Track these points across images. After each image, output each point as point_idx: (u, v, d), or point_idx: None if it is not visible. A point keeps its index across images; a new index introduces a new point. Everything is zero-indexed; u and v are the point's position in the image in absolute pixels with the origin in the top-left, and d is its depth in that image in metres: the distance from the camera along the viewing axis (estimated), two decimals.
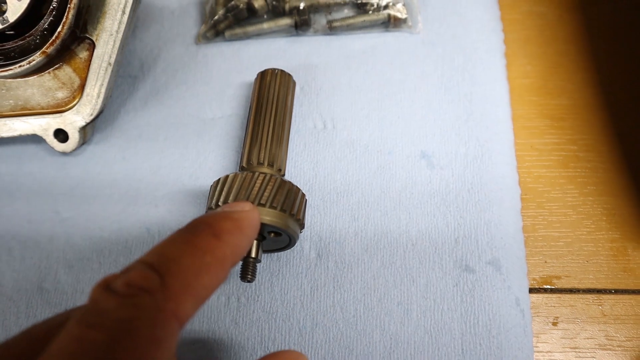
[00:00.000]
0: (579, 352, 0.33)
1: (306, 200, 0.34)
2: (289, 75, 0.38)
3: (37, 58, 0.34)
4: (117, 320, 0.16)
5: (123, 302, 0.16)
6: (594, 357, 0.33)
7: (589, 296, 0.35)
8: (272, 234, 0.32)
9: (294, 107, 0.39)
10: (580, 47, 0.42)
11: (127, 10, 0.34)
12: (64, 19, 0.33)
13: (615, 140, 0.39)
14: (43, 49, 0.33)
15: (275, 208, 0.30)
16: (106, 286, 0.17)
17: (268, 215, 0.30)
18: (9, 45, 0.34)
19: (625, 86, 0.40)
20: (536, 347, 0.33)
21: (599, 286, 0.35)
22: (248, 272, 0.31)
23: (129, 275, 0.17)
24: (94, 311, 0.16)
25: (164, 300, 0.17)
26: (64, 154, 0.39)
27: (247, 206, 0.25)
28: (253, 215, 0.24)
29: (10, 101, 0.37)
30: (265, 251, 0.35)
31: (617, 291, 0.35)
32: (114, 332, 0.16)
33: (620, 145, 0.38)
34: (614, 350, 0.33)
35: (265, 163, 0.33)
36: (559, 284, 0.35)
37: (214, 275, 0.19)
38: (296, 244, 0.35)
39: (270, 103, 0.36)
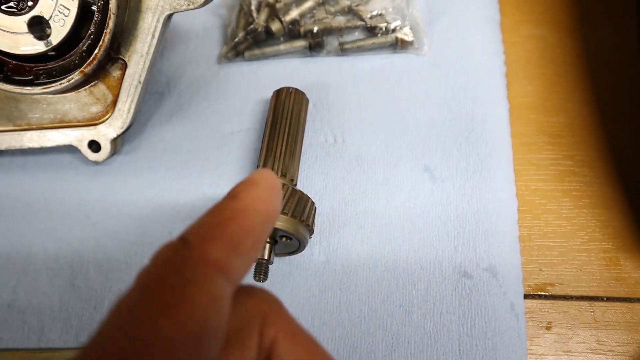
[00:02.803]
0: (571, 355, 0.35)
1: (315, 208, 0.37)
2: (303, 93, 0.41)
3: (75, 77, 0.37)
4: (146, 274, 0.17)
5: (151, 262, 0.18)
6: None
7: (581, 303, 0.37)
8: (284, 238, 0.34)
9: (307, 122, 0.42)
10: (577, 69, 0.44)
11: (157, 34, 0.38)
12: (100, 42, 0.37)
13: (609, 156, 0.41)
14: (81, 68, 0.37)
15: (286, 214, 0.33)
16: None
17: (280, 221, 0.33)
18: (52, 65, 0.38)
19: (619, 105, 0.42)
20: (530, 349, 0.35)
21: (591, 293, 0.37)
22: (261, 272, 0.33)
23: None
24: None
25: (187, 249, 0.18)
26: (96, 163, 0.42)
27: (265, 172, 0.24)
28: (268, 175, 0.23)
29: (51, 114, 0.41)
30: (277, 254, 0.37)
31: (609, 299, 0.37)
32: (145, 283, 0.17)
33: (613, 161, 0.41)
34: (605, 355, 0.35)
35: (279, 173, 0.36)
36: (553, 291, 0.37)
37: (241, 222, 0.20)
38: (306, 249, 0.37)
39: (284, 118, 0.39)
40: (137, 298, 0.17)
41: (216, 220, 0.20)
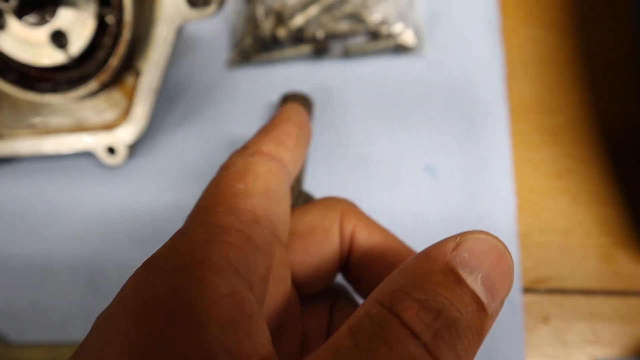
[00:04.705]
0: (568, 347, 0.37)
1: None
2: (309, 97, 0.43)
3: (93, 85, 0.39)
4: (221, 166, 0.25)
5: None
6: (581, 352, 0.37)
7: (578, 296, 0.38)
8: None
9: (312, 124, 0.44)
10: (576, 69, 0.46)
11: (169, 43, 0.40)
12: (116, 52, 0.39)
13: (606, 154, 0.42)
14: (98, 77, 0.39)
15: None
16: None
17: None
18: (70, 73, 0.40)
19: (617, 104, 0.44)
20: (527, 341, 0.37)
21: (588, 287, 0.38)
22: None
23: None
24: None
25: (245, 147, 0.26)
26: (112, 167, 0.44)
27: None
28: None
29: (69, 121, 0.43)
30: None
31: (605, 292, 0.38)
32: (220, 169, 0.25)
33: (611, 158, 0.42)
34: (601, 346, 0.37)
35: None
36: (551, 285, 0.39)
37: (280, 128, 0.27)
38: None
39: None
40: (217, 177, 0.24)
41: (262, 132, 0.27)
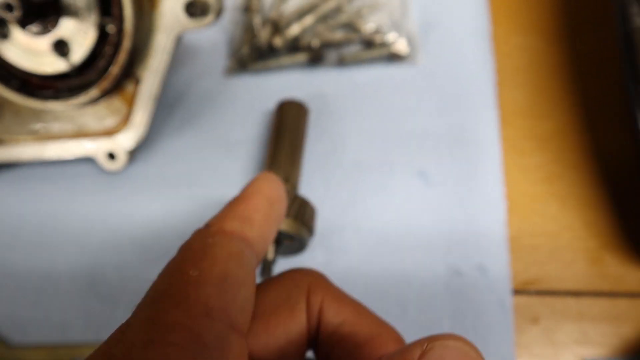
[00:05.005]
0: (557, 347, 0.38)
1: (316, 211, 0.39)
2: (304, 103, 0.44)
3: (94, 92, 0.40)
4: (181, 247, 0.23)
5: (185, 241, 0.24)
6: (570, 352, 0.37)
7: (567, 298, 0.39)
8: (287, 240, 0.37)
9: (308, 131, 0.45)
10: (566, 75, 0.47)
11: (168, 52, 0.41)
12: (116, 61, 0.40)
13: (594, 159, 0.43)
14: (99, 85, 0.40)
15: (288, 217, 0.36)
16: None
17: (283, 223, 0.35)
18: (72, 81, 0.41)
19: (605, 110, 0.45)
20: (517, 342, 0.38)
21: (576, 289, 0.39)
22: (266, 271, 0.36)
23: None
24: None
25: (208, 227, 0.24)
26: (112, 172, 0.45)
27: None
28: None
29: (70, 127, 0.44)
30: (280, 255, 0.40)
31: (593, 293, 0.39)
32: (179, 251, 0.23)
33: (599, 163, 0.43)
34: (589, 347, 0.38)
35: (282, 179, 0.39)
36: (540, 287, 0.40)
37: (248, 203, 0.25)
38: (307, 250, 0.40)
39: (287, 129, 0.42)
40: (173, 260, 0.22)
41: (228, 207, 0.25)
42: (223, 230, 0.23)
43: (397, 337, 0.24)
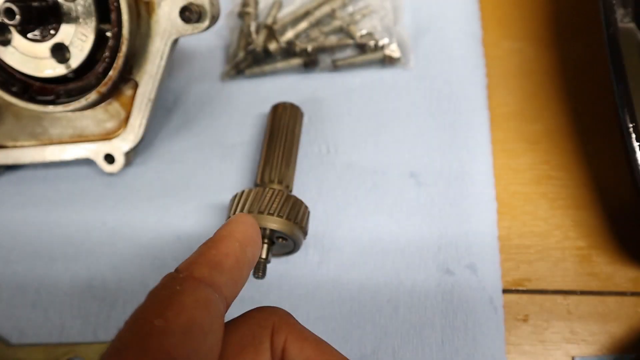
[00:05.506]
0: (546, 345, 0.38)
1: (309, 212, 0.40)
2: (298, 107, 0.45)
3: (92, 96, 0.41)
4: (149, 293, 0.23)
5: (155, 286, 0.23)
6: (559, 349, 0.38)
7: (556, 296, 0.40)
8: (280, 239, 0.38)
9: (302, 134, 0.46)
10: (554, 79, 0.48)
11: (165, 56, 0.42)
12: (114, 65, 0.41)
13: (583, 160, 0.44)
14: (98, 88, 0.41)
15: (282, 217, 0.36)
16: None
17: (276, 223, 0.36)
18: (71, 85, 0.42)
19: (594, 113, 0.45)
20: (508, 340, 0.38)
21: (565, 288, 0.40)
22: (259, 270, 0.37)
23: None
24: None
25: (177, 273, 0.24)
26: (111, 174, 0.46)
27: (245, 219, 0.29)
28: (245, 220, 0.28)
29: (70, 130, 0.45)
30: (274, 255, 0.41)
31: (582, 292, 0.40)
32: (147, 299, 0.23)
33: (587, 164, 0.44)
34: (578, 344, 0.38)
35: (276, 181, 0.40)
36: (530, 286, 0.40)
37: (219, 248, 0.25)
38: (301, 249, 0.41)
39: (281, 131, 0.43)
40: (140, 308, 0.22)
41: (199, 251, 0.25)
42: (192, 276, 0.23)
43: None
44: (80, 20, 0.40)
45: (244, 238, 0.26)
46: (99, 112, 0.44)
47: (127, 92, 0.44)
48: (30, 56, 0.41)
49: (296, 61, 0.49)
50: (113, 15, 0.39)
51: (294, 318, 0.26)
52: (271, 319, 0.26)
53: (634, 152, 0.36)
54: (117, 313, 0.42)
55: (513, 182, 0.44)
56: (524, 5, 0.51)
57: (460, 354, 0.38)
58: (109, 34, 0.40)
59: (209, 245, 0.25)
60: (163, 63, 0.42)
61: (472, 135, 0.45)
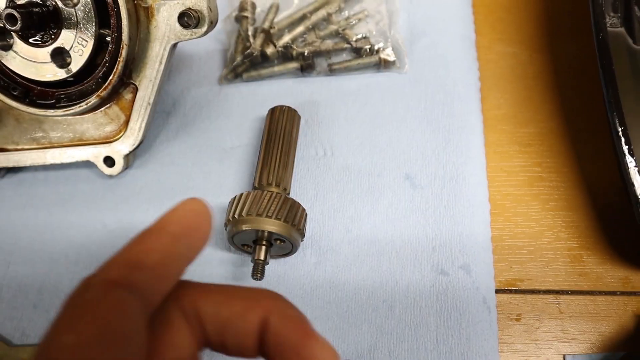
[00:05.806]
0: (539, 344, 0.39)
1: (306, 214, 0.41)
2: (295, 110, 0.45)
3: (93, 100, 0.42)
4: (62, 303, 0.20)
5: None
6: (550, 348, 0.39)
7: (548, 296, 0.41)
8: (278, 241, 0.39)
9: (299, 137, 0.46)
10: (547, 83, 0.49)
11: (164, 61, 0.42)
12: (114, 69, 0.41)
13: (575, 163, 0.45)
14: (98, 92, 0.42)
15: (279, 219, 0.37)
16: None
17: (274, 225, 0.37)
18: (71, 90, 0.43)
19: (585, 116, 0.46)
20: (501, 339, 0.39)
21: (557, 288, 0.41)
22: (257, 272, 0.38)
23: None
24: None
25: (93, 275, 0.21)
26: (110, 177, 0.47)
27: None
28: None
29: (70, 134, 0.46)
30: (272, 256, 0.42)
31: (573, 292, 0.41)
32: (59, 310, 0.20)
33: (579, 167, 0.45)
34: (569, 343, 0.39)
35: (274, 183, 0.41)
36: (522, 286, 0.41)
37: (142, 243, 0.23)
38: (298, 251, 0.42)
39: (278, 134, 0.43)
40: (51, 324, 0.20)
41: (123, 248, 0.23)
42: (107, 279, 0.21)
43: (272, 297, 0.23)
44: (81, 25, 0.40)
45: (180, 229, 0.24)
46: (99, 115, 0.45)
47: (127, 96, 0.44)
48: (31, 61, 0.41)
49: (293, 65, 0.49)
50: (113, 21, 0.40)
51: (197, 282, 0.24)
52: (175, 293, 0.23)
53: (623, 155, 0.36)
54: None
55: (506, 184, 0.45)
56: (517, 9, 0.52)
57: (455, 352, 0.38)
58: (108, 39, 0.41)
59: (135, 241, 0.23)
60: (162, 67, 0.43)
61: (466, 138, 0.46)
